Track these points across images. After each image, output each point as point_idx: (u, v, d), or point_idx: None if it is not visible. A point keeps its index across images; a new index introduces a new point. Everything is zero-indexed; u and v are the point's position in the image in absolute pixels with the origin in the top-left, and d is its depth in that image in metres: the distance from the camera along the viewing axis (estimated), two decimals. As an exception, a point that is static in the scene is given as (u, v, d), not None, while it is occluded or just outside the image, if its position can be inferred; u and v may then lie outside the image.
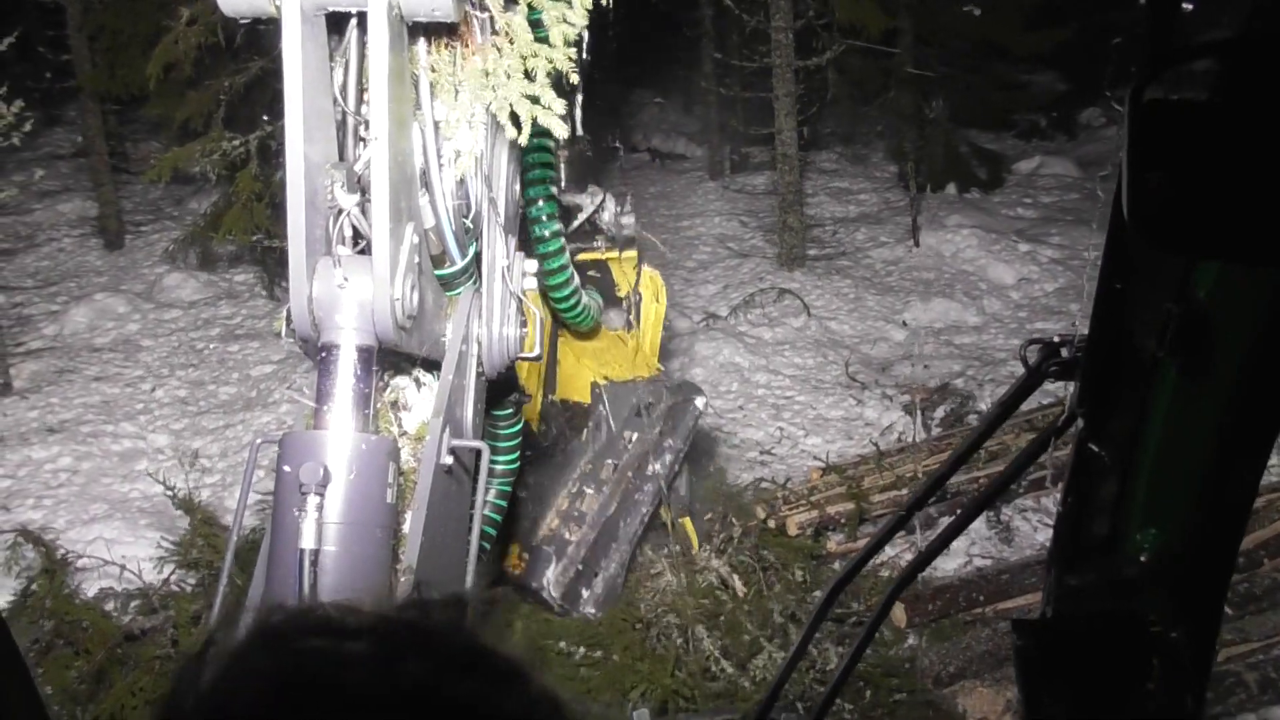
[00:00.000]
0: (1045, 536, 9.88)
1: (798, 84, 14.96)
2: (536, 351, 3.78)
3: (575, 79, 3.50)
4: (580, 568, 5.99)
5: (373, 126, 3.15)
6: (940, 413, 11.52)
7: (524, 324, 3.69)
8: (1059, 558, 1.54)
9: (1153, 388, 1.40)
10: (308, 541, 3.08)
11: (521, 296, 3.67)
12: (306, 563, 3.06)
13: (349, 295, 3.25)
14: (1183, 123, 1.26)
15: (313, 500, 3.09)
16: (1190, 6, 1.31)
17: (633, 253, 5.21)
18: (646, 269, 4.83)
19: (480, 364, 3.63)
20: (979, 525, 10.45)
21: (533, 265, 3.69)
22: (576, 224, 4.49)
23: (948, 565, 9.78)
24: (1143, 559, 1.46)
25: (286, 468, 3.22)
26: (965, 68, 17.91)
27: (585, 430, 5.69)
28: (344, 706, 1.00)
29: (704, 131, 20.23)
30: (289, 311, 3.37)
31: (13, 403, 12.35)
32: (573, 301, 4.29)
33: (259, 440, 3.56)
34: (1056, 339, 1.57)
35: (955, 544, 10.12)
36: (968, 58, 17.78)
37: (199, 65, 11.37)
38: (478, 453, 3.57)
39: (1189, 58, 1.29)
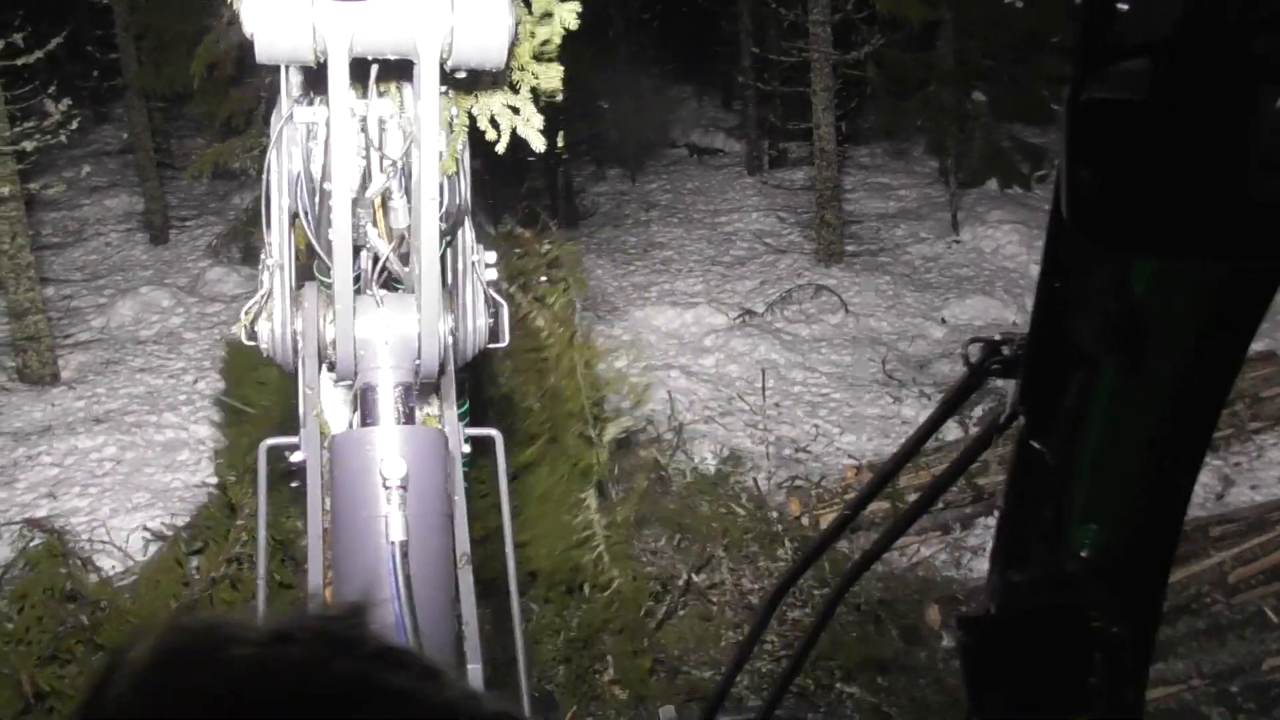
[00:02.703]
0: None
1: (836, 78, 14.91)
2: (505, 341, 3.83)
3: (559, 96, 3.55)
4: None
5: (424, 170, 3.13)
6: (978, 411, 11.45)
7: (492, 314, 3.74)
8: (1002, 554, 1.57)
9: (1092, 385, 1.41)
10: (397, 534, 3.09)
11: (487, 288, 3.73)
12: (398, 556, 3.07)
13: (393, 334, 3.29)
14: (1119, 122, 1.28)
15: (397, 494, 3.11)
16: (1126, 7, 1.32)
17: None
18: None
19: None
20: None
21: (492, 256, 3.74)
22: None
23: (983, 566, 9.67)
24: (1084, 555, 1.48)
25: (349, 466, 3.24)
26: (1008, 60, 17.76)
27: None
28: (285, 704, 1.02)
29: (742, 126, 20.19)
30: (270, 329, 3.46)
31: (60, 392, 12.60)
32: None
33: (268, 442, 3.57)
34: (998, 337, 1.59)
35: (990, 546, 10.04)
36: (1010, 50, 17.62)
37: (240, 64, 11.53)
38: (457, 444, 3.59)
39: (1125, 57, 1.31)
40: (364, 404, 3.37)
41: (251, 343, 3.62)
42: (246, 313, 3.63)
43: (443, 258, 3.61)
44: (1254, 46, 1.24)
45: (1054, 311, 1.43)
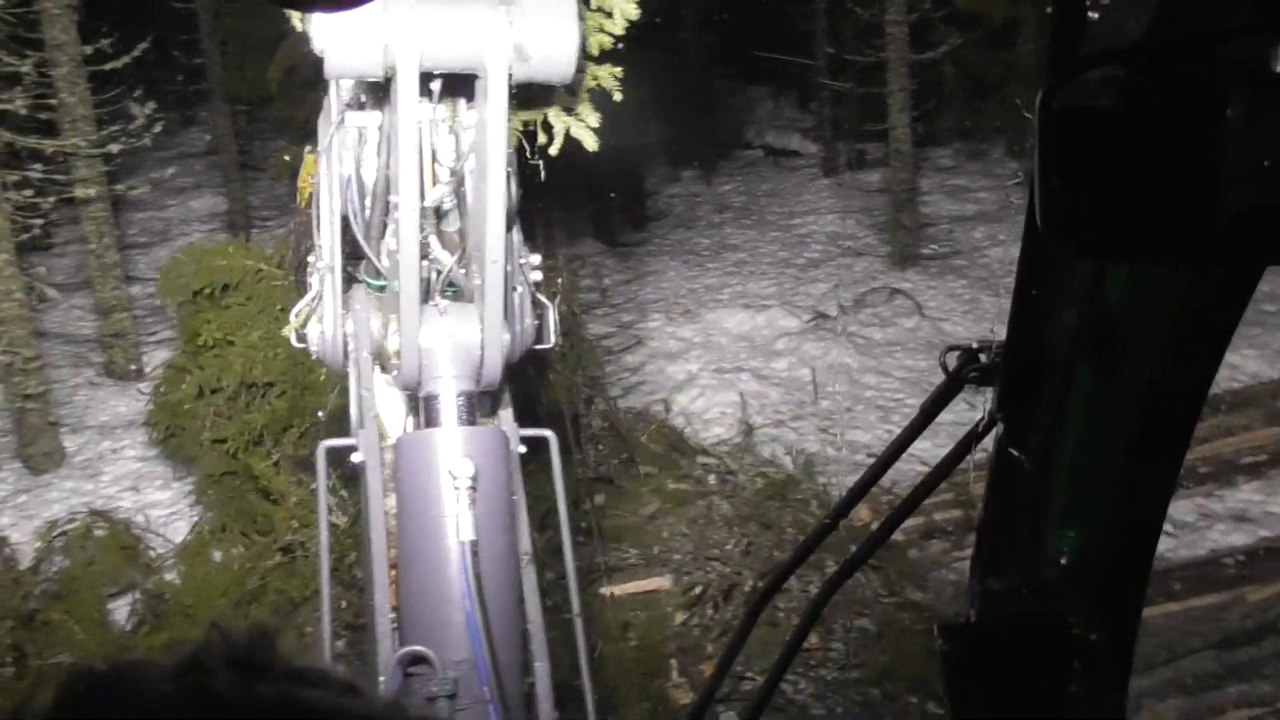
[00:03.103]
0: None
1: (912, 79, 14.77)
2: (551, 342, 3.85)
3: (618, 96, 3.55)
4: None
5: (490, 182, 3.16)
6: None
7: (538, 316, 3.75)
8: (981, 561, 1.55)
9: (1068, 391, 1.39)
10: (467, 534, 3.13)
11: (533, 289, 3.75)
12: (469, 555, 3.12)
13: (456, 343, 3.32)
14: (1091, 128, 1.28)
15: (466, 494, 3.15)
16: (1096, 15, 1.32)
17: None
18: None
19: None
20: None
21: (537, 258, 3.76)
22: None
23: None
24: (1062, 561, 1.45)
25: (415, 467, 3.29)
26: (1091, 60, 17.39)
27: None
28: None
29: (818, 128, 20.06)
30: (315, 326, 3.50)
31: (144, 388, 12.92)
32: None
33: (326, 443, 3.61)
34: (975, 345, 1.59)
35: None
36: (1094, 50, 17.25)
37: (317, 68, 11.72)
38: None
39: (1096, 64, 1.30)
40: (427, 411, 3.39)
41: (300, 345, 3.69)
42: (296, 315, 3.71)
43: None
44: (1223, 52, 1.23)
45: (1030, 318, 1.43)
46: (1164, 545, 9.13)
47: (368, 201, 3.50)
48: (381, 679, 3.14)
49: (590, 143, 3.54)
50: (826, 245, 16.45)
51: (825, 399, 12.14)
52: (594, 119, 3.52)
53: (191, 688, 1.05)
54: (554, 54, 3.13)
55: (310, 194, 4.52)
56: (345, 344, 3.58)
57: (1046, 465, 1.43)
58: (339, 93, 3.50)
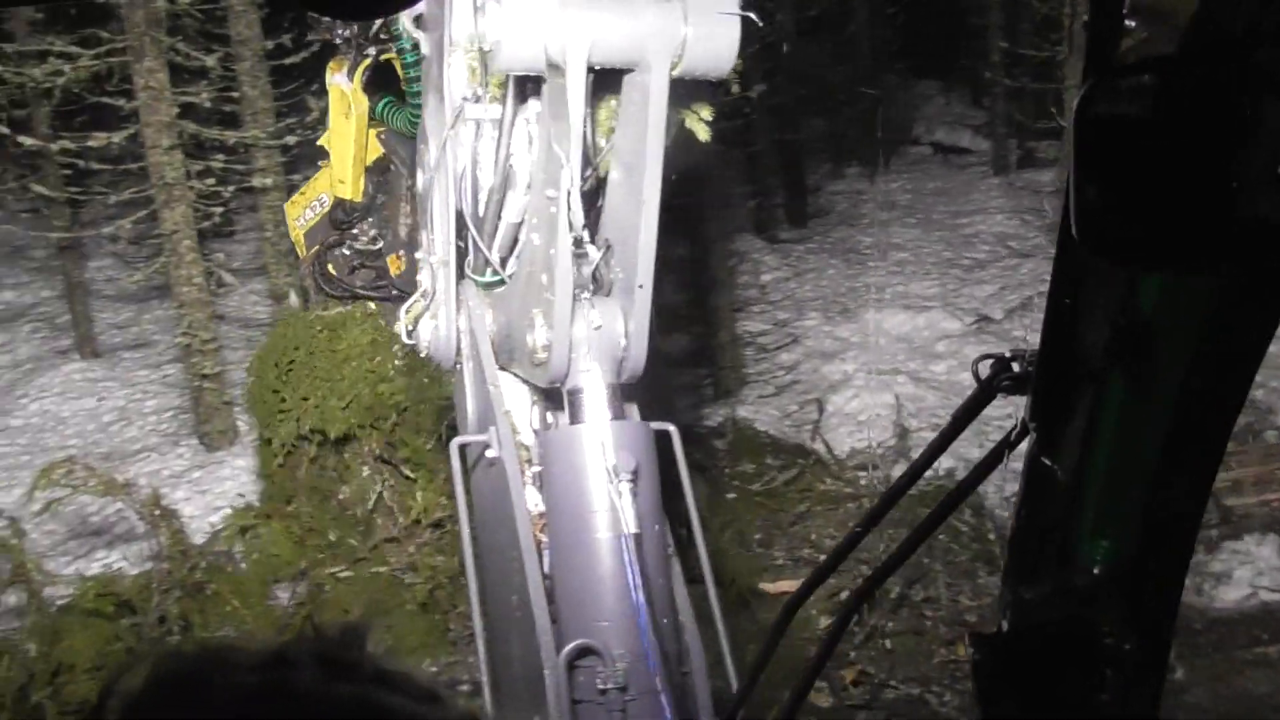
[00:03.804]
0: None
1: (1089, 75, 14.27)
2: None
3: (735, 88, 3.53)
4: None
5: (647, 175, 3.15)
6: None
7: None
8: (1013, 570, 1.52)
9: (1101, 400, 1.36)
10: (630, 526, 3.14)
11: None
12: (633, 548, 3.13)
13: (602, 336, 3.31)
14: (1127, 137, 1.26)
15: (628, 487, 3.16)
16: (1134, 24, 1.30)
17: None
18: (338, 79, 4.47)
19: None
20: (1269, 553, 9.55)
21: None
22: (372, 32, 4.32)
23: (1228, 595, 9.00)
24: (1095, 571, 1.42)
25: (567, 462, 3.31)
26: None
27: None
28: None
29: (989, 124, 19.54)
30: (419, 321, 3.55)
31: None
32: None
33: (459, 440, 3.61)
34: (1008, 354, 1.56)
35: (1238, 573, 9.30)
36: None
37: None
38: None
39: (1134, 73, 1.28)
40: (572, 404, 3.40)
41: (410, 342, 3.74)
42: (407, 311, 3.76)
43: None
44: (1258, 60, 1.20)
45: (1063, 327, 1.41)
46: None
47: (483, 196, 3.54)
48: (546, 672, 3.16)
49: (703, 134, 3.51)
50: (994, 246, 16.03)
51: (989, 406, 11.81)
52: (708, 111, 3.50)
53: (272, 682, 1.07)
54: (718, 49, 3.14)
55: (303, 242, 4.65)
56: (459, 340, 3.62)
57: (1079, 474, 1.41)
58: (449, 83, 3.51)
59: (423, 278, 3.74)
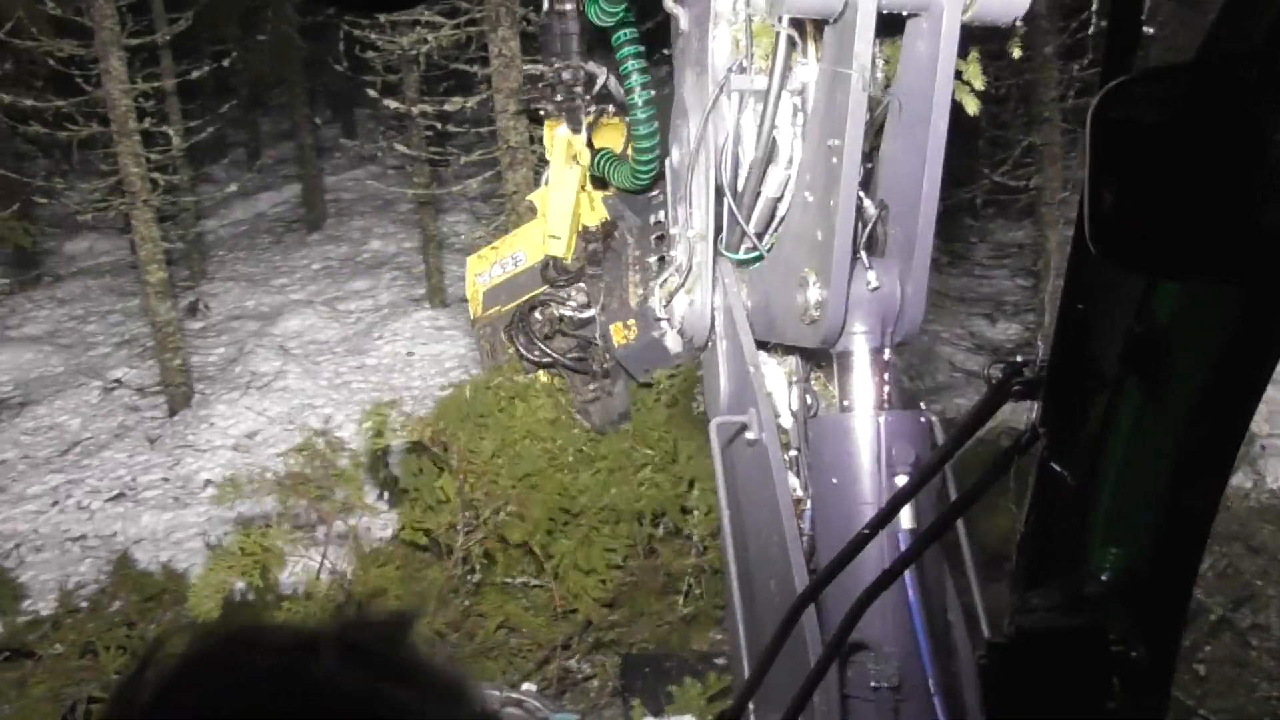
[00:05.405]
0: None
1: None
2: None
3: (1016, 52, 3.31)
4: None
5: (932, 127, 3.01)
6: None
7: None
8: (1022, 576, 1.52)
9: (1114, 407, 1.36)
10: (908, 522, 2.99)
11: None
12: (908, 545, 2.92)
13: (877, 297, 3.18)
14: (1142, 143, 1.25)
15: (906, 480, 3.05)
16: (1151, 30, 1.30)
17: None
18: (561, 131, 4.30)
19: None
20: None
21: None
22: (596, 89, 4.18)
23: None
24: (1104, 578, 1.40)
25: (842, 450, 3.19)
26: None
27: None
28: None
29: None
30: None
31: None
32: (650, 157, 3.89)
33: (718, 420, 3.52)
34: (1020, 359, 1.55)
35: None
36: None
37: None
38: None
39: (1149, 79, 1.28)
40: (841, 373, 3.28)
41: (663, 318, 3.68)
42: (662, 286, 3.69)
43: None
44: (1277, 67, 1.19)
45: (1076, 333, 1.41)
46: None
47: (741, 171, 3.44)
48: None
49: (972, 106, 3.27)
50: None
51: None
52: (979, 79, 3.27)
53: (289, 666, 1.10)
54: None
55: (480, 300, 4.58)
56: (713, 317, 3.54)
57: (1090, 481, 1.41)
58: (709, 53, 3.40)
59: (677, 252, 3.66)
